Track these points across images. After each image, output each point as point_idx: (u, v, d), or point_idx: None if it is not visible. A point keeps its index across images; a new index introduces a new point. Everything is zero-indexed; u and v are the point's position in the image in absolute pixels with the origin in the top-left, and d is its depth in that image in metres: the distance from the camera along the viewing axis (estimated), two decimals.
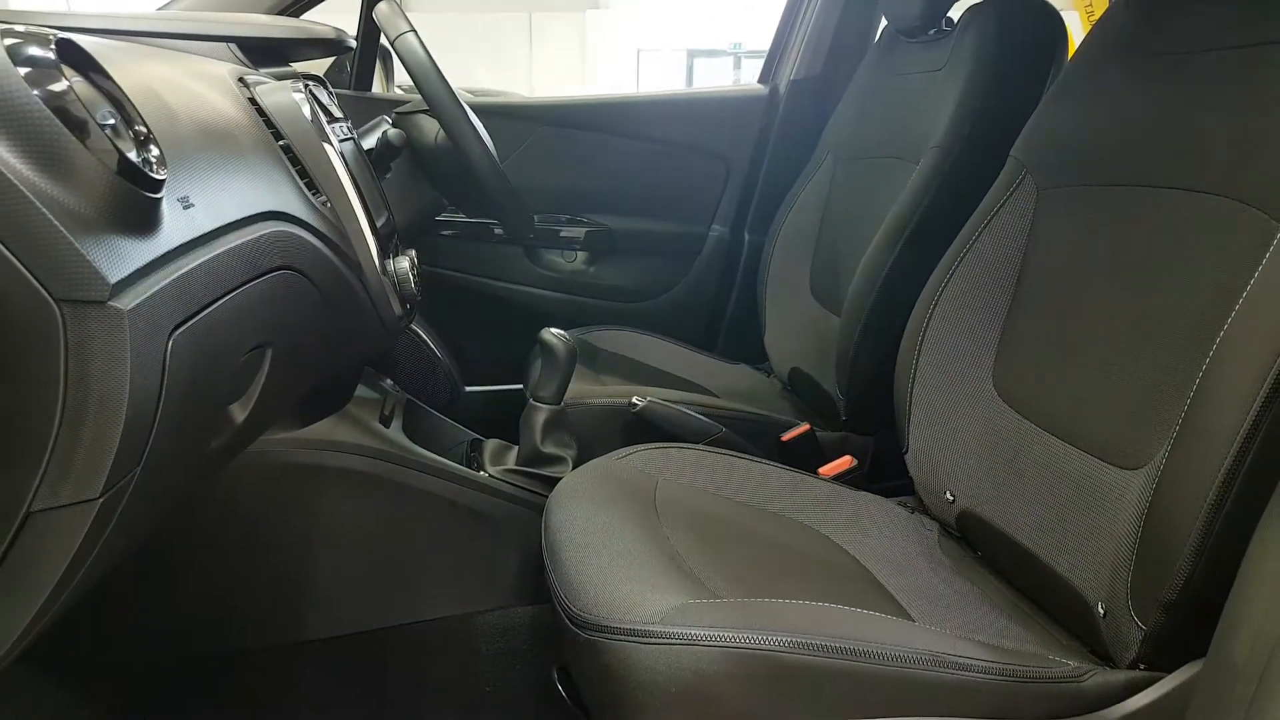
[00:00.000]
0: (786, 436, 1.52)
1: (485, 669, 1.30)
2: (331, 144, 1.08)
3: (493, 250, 2.02)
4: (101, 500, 0.57)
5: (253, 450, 1.10)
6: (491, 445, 1.46)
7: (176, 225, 0.66)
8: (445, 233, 2.01)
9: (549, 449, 1.34)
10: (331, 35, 1.40)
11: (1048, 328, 1.14)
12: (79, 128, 0.56)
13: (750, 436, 1.52)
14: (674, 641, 0.80)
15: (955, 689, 0.83)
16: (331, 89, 1.43)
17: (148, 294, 0.59)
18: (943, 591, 1.08)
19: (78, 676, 1.18)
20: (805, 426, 1.52)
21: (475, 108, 1.84)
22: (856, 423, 1.56)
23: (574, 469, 1.35)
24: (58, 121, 0.55)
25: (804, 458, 1.52)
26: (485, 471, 1.34)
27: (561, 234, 2.06)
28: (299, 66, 1.45)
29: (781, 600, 0.90)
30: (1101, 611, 0.93)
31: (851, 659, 0.82)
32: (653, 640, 0.81)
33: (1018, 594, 1.10)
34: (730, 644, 0.80)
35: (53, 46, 0.58)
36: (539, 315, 2.03)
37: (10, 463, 0.55)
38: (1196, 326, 0.90)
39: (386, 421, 1.26)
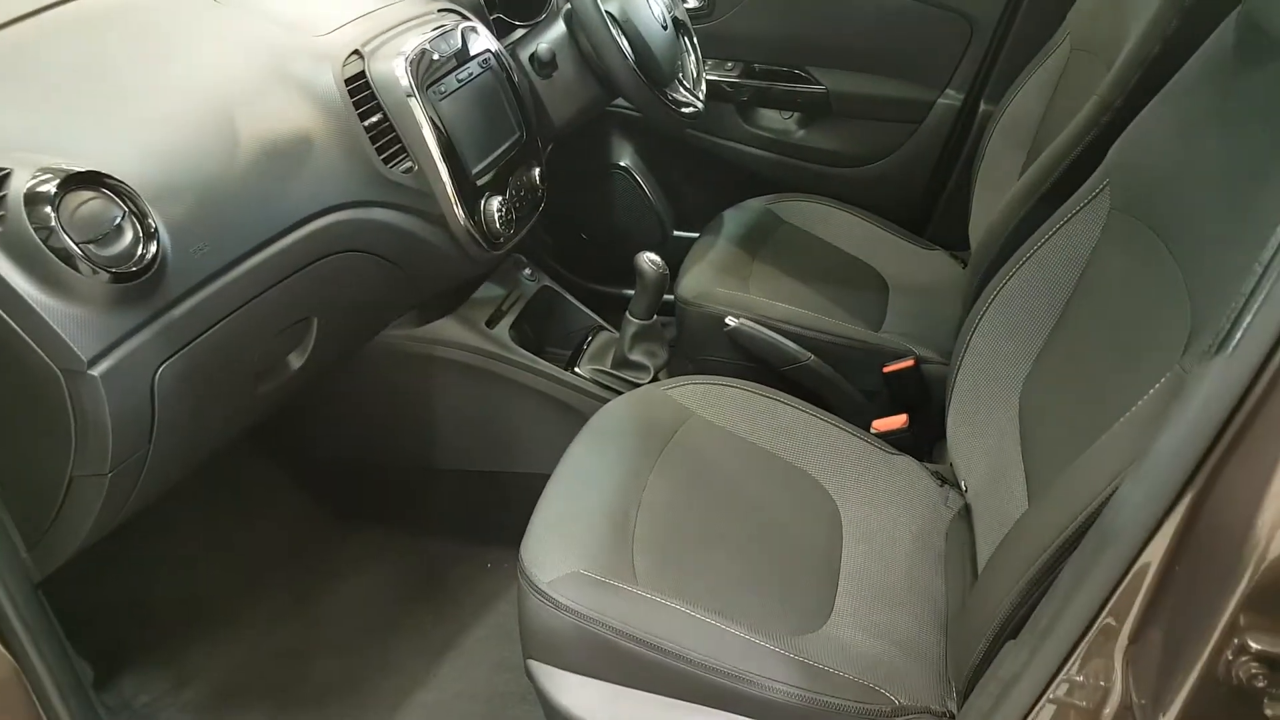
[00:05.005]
0: (889, 368, 1.52)
1: None
2: (425, 108, 1.25)
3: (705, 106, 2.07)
4: (111, 475, 0.92)
5: (379, 339, 1.44)
6: (599, 341, 1.67)
7: (179, 277, 0.94)
8: None
9: (635, 356, 1.53)
10: None
11: (1068, 361, 1.07)
12: (67, 258, 0.84)
13: (852, 363, 1.54)
14: (544, 601, 1.03)
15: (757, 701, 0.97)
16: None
17: (126, 353, 0.89)
18: (890, 585, 1.13)
19: (299, 467, 1.71)
20: (910, 361, 1.51)
21: None
22: None
23: (653, 376, 1.53)
24: (52, 255, 0.83)
25: (905, 391, 1.53)
26: (576, 370, 1.57)
27: (776, 91, 2.03)
28: None
29: (659, 600, 1.02)
30: (952, 685, 0.97)
31: (669, 658, 0.97)
32: (535, 595, 1.04)
33: (959, 605, 1.12)
34: (579, 620, 1.01)
35: (55, 186, 0.83)
36: (746, 172, 2.09)
37: (55, 448, 0.91)
38: (1103, 424, 0.83)
39: (495, 320, 1.52)
